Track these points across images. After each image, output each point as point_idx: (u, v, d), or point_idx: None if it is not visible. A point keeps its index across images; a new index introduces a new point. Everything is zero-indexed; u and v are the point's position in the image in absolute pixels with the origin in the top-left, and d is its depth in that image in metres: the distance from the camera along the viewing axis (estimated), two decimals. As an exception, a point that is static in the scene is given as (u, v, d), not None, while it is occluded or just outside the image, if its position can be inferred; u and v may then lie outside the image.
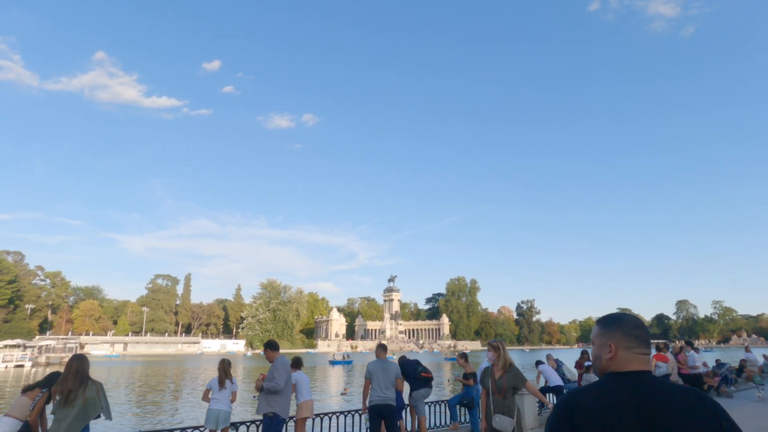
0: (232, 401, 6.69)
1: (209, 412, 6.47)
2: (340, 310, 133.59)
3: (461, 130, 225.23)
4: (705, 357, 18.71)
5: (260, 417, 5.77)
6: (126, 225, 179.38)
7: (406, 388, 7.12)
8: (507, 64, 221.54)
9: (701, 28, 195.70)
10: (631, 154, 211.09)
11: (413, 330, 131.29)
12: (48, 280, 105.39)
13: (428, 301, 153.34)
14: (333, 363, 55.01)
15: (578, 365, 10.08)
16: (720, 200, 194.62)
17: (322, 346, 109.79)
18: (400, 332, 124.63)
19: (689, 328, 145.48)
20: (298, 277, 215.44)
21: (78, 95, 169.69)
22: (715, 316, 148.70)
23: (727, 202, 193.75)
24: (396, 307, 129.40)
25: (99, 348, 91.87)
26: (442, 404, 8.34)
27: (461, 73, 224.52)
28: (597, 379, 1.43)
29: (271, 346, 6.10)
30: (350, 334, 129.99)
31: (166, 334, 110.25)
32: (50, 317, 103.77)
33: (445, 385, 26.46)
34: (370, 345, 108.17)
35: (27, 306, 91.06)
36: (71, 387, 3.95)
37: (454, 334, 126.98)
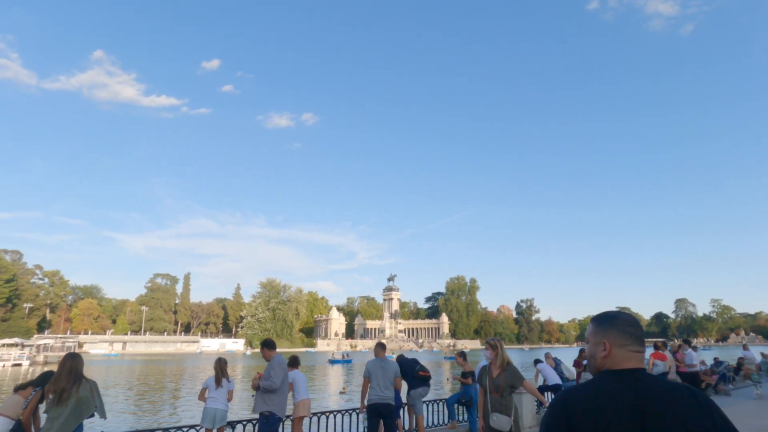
0: (229, 400, 6.68)
1: (206, 411, 6.46)
2: (339, 309, 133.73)
3: (461, 130, 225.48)
4: (703, 355, 18.76)
5: (257, 416, 5.75)
6: (125, 224, 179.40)
7: (404, 386, 7.11)
8: (506, 64, 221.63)
9: (700, 26, 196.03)
10: (630, 154, 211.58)
11: (413, 329, 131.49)
12: (46, 279, 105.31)
13: (428, 300, 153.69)
14: (332, 362, 55.08)
15: (577, 364, 10.07)
16: (719, 199, 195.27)
17: (321, 345, 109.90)
18: (400, 331, 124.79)
19: (688, 327, 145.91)
20: (297, 276, 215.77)
21: (76, 94, 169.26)
22: (714, 315, 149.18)
23: (726, 201, 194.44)
24: (395, 306, 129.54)
25: (98, 347, 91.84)
26: (440, 403, 8.33)
27: (461, 72, 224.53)
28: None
29: (267, 345, 6.09)
30: (350, 333, 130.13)
31: (165, 333, 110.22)
32: (49, 316, 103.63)
33: (444, 384, 26.48)
34: (369, 344, 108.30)
35: (25, 305, 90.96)
36: (64, 386, 3.92)
37: (454, 333, 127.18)
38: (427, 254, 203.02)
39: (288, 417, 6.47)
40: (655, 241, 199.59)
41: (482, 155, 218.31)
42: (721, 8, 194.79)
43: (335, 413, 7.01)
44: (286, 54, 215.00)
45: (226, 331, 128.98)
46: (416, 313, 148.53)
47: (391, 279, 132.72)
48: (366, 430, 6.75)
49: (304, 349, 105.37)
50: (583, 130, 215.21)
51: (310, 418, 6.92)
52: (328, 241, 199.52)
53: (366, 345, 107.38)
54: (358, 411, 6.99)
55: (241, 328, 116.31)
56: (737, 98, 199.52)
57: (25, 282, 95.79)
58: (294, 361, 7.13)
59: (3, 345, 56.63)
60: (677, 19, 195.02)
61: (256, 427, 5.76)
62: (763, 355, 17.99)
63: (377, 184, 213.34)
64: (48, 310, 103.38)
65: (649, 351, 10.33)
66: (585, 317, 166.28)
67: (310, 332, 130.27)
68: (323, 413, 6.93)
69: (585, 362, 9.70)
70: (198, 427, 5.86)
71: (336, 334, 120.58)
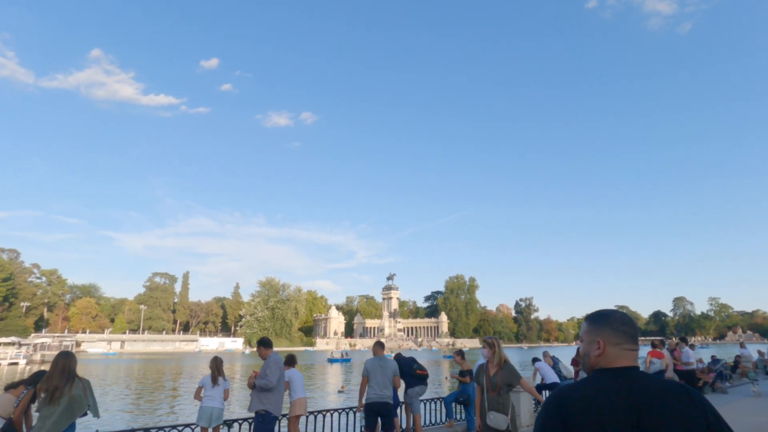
0: (225, 399, 6.66)
1: (202, 410, 6.44)
2: (338, 308, 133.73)
3: (460, 129, 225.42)
4: (701, 353, 18.83)
5: (253, 414, 5.72)
6: (124, 223, 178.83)
7: (402, 385, 7.10)
8: (505, 63, 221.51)
9: (698, 25, 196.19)
10: (628, 153, 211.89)
11: (412, 328, 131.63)
12: (44, 278, 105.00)
13: (427, 299, 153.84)
14: (331, 361, 55.20)
15: (575, 362, 10.06)
16: (717, 198, 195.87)
17: (320, 344, 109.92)
18: (399, 330, 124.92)
19: (686, 325, 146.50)
20: (296, 275, 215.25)
21: (74, 93, 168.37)
22: (711, 313, 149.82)
23: (724, 200, 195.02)
24: (395, 305, 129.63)
25: (95, 346, 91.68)
26: (438, 402, 8.31)
27: (460, 71, 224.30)
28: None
29: (264, 344, 6.06)
30: (349, 332, 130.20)
31: (164, 332, 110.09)
32: (46, 315, 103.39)
33: (443, 383, 26.51)
34: (368, 343, 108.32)
35: (22, 304, 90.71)
36: (57, 384, 3.88)
37: (453, 332, 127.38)
38: (427, 253, 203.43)
39: (284, 416, 6.44)
40: (654, 240, 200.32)
41: (481, 154, 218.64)
42: (718, 7, 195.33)
43: (332, 412, 6.98)
44: (284, 53, 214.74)
45: (225, 330, 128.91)
46: (415, 312, 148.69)
47: (390, 278, 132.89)
48: (363, 428, 6.73)
49: (303, 348, 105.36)
50: (581, 130, 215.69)
51: (307, 417, 6.89)
52: (328, 241, 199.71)
53: (365, 344, 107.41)
54: (355, 410, 6.97)
55: (240, 327, 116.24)
56: (735, 97, 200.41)
57: (23, 281, 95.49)
58: (291, 360, 7.10)
59: (0, 344, 56.49)
60: (675, 18, 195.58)
61: (252, 426, 5.72)
62: (759, 352, 18.06)
63: (376, 183, 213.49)
64: (45, 309, 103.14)
65: (647, 349, 10.34)
66: (583, 316, 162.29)
67: (310, 331, 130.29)
68: (320, 412, 6.90)
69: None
70: (193, 426, 5.82)
71: (335, 333, 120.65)
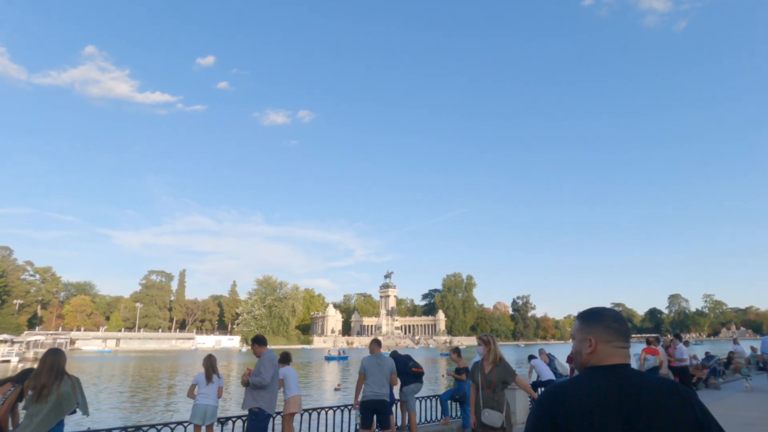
0: (219, 397, 6.62)
1: (197, 407, 6.39)
2: (336, 306, 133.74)
3: (457, 127, 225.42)
4: (695, 350, 18.95)
5: (246, 412, 5.68)
6: (120, 221, 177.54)
7: (397, 383, 7.08)
8: (502, 60, 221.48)
9: (693, 22, 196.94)
10: (624, 151, 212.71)
11: (409, 326, 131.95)
12: (38, 276, 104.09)
13: (424, 297, 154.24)
14: (328, 359, 55.29)
15: (570, 359, 10.12)
16: (712, 196, 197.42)
17: (318, 342, 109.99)
18: (396, 328, 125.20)
19: (681, 322, 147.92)
20: (294, 273, 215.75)
21: (68, 89, 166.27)
22: (706, 310, 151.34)
23: (718, 198, 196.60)
24: (392, 303, 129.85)
25: (90, 344, 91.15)
26: (434, 399, 8.30)
27: (456, 70, 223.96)
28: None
29: (258, 341, 6.02)
30: (346, 330, 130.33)
31: (160, 330, 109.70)
32: (40, 313, 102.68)
33: (440, 381, 26.59)
34: (366, 341, 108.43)
35: (15, 301, 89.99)
36: (45, 382, 3.82)
37: (450, 330, 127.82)
38: (424, 251, 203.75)
39: (278, 413, 6.41)
40: (650, 238, 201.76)
41: (478, 152, 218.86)
42: (712, 4, 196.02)
43: (327, 409, 6.95)
44: (281, 51, 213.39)
45: (222, 328, 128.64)
46: (413, 310, 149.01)
47: (387, 276, 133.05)
48: (358, 426, 6.71)
49: (300, 346, 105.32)
50: (578, 128, 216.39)
51: (302, 415, 6.86)
52: (325, 239, 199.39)
53: (362, 342, 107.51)
54: (351, 407, 6.95)
55: (237, 325, 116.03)
56: (730, 95, 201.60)
57: (15, 278, 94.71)
58: (285, 358, 7.07)
59: (-8, 341, 55.98)
60: (671, 16, 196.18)
61: (245, 424, 5.69)
62: (752, 348, 18.24)
63: (374, 181, 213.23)
64: (39, 307, 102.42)
65: (642, 346, 10.41)
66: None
67: (307, 329, 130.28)
68: (314, 410, 6.87)
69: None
70: (186, 424, 5.77)
71: (332, 331, 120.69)
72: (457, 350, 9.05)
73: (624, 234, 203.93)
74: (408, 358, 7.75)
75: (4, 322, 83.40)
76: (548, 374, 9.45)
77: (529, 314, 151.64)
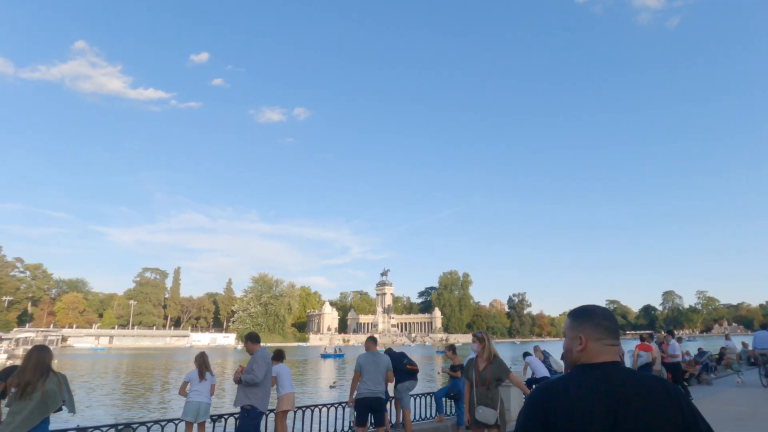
0: (211, 394, 6.57)
1: (189, 404, 6.33)
2: (332, 304, 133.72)
3: (453, 124, 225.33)
4: (688, 346, 19.14)
5: (238, 409, 5.62)
6: (114, 218, 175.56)
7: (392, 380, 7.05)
8: (497, 58, 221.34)
9: (686, 19, 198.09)
10: (619, 147, 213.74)
11: (406, 323, 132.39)
12: (28, 273, 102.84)
13: (421, 294, 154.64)
14: (324, 356, 55.33)
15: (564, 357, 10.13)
16: (705, 193, 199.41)
17: (314, 339, 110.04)
18: (393, 326, 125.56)
19: (674, 318, 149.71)
20: (290, 271, 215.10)
21: (58, 85, 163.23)
22: (699, 306, 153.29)
23: (712, 195, 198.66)
24: (389, 300, 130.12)
25: (83, 341, 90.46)
26: (428, 397, 8.30)
27: (452, 67, 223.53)
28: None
29: (251, 338, 5.95)
30: (342, 327, 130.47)
31: (155, 327, 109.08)
32: (30, 309, 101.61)
33: (436, 378, 26.68)
34: (362, 339, 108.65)
35: (4, 298, 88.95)
36: (29, 379, 3.73)
37: (447, 328, 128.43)
38: (421, 249, 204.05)
39: (271, 411, 6.36)
40: (644, 235, 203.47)
41: (474, 150, 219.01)
42: (705, 1, 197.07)
43: (320, 407, 6.91)
44: (276, 48, 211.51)
45: (217, 325, 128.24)
46: (409, 308, 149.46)
47: (384, 274, 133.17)
48: (352, 423, 6.67)
49: (296, 344, 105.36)
50: (572, 125, 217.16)
51: (295, 412, 6.82)
52: (321, 236, 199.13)
53: (359, 339, 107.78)
54: (345, 405, 6.91)
55: (233, 322, 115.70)
56: (723, 91, 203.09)
57: (5, 275, 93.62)
58: (279, 355, 7.01)
59: (-21, 338, 55.26)
60: (663, 13, 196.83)
61: (237, 421, 5.63)
62: (744, 344, 18.47)
63: (370, 179, 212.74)
64: (29, 304, 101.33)
65: (637, 343, 10.47)
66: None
67: (303, 327, 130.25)
68: (308, 407, 6.82)
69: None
70: (177, 421, 5.70)
71: (329, 329, 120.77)
72: (452, 347, 9.04)
73: (619, 231, 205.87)
74: (402, 355, 7.72)
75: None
76: (543, 371, 9.47)
77: (525, 311, 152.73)
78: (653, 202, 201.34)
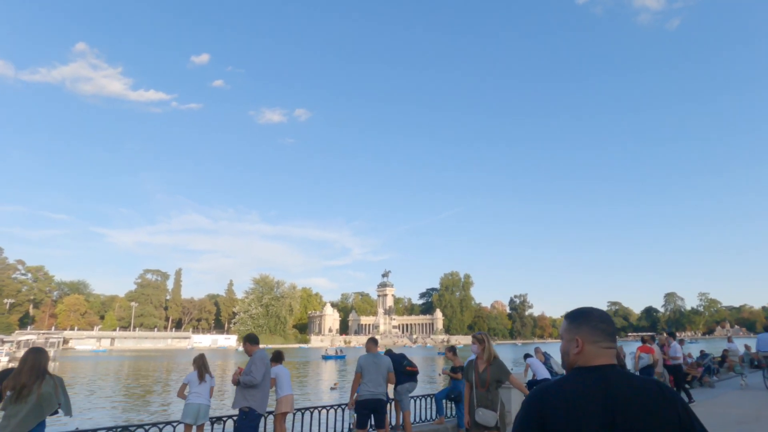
0: (210, 396, 6.55)
1: (189, 407, 6.31)
2: (333, 305, 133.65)
3: (453, 125, 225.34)
4: (690, 348, 19.03)
5: (236, 412, 5.60)
6: (114, 219, 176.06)
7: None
8: (498, 58, 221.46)
9: (686, 20, 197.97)
10: (620, 148, 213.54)
11: (407, 325, 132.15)
12: (29, 275, 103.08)
13: (422, 296, 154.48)
14: (326, 358, 55.28)
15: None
16: (706, 194, 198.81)
17: (315, 341, 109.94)
18: (394, 327, 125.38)
19: (676, 320, 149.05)
20: (291, 272, 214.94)
21: (59, 87, 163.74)
22: (701, 308, 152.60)
23: (714, 196, 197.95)
24: (390, 302, 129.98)
25: (84, 343, 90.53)
26: (428, 398, 8.26)
27: (452, 67, 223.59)
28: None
29: (250, 340, 5.93)
30: (344, 329, 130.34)
31: (156, 329, 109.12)
32: (32, 312, 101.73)
33: (437, 380, 26.59)
34: (363, 340, 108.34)
35: (6, 300, 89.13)
36: (25, 382, 3.71)
37: (448, 329, 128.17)
38: (422, 250, 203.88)
39: (270, 413, 6.33)
40: (646, 236, 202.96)
41: (475, 151, 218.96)
42: (706, 2, 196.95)
43: (320, 409, 6.88)
44: (276, 48, 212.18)
45: (219, 327, 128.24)
46: (410, 309, 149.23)
47: (385, 275, 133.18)
48: (352, 425, 6.63)
49: (297, 345, 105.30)
50: (574, 125, 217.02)
51: (294, 414, 6.78)
52: (322, 237, 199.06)
53: (360, 341, 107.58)
54: (345, 406, 6.88)
55: (234, 324, 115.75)
56: (724, 92, 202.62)
57: (6, 277, 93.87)
58: (277, 357, 6.98)
59: (-19, 340, 55.32)
60: (664, 14, 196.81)
61: (236, 423, 5.60)
62: (746, 347, 18.36)
63: (371, 180, 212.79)
64: (31, 306, 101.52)
65: (638, 345, 10.41)
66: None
67: (304, 328, 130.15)
68: (307, 409, 6.79)
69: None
70: (175, 424, 5.68)
71: (330, 330, 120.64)
72: (452, 349, 9.00)
73: (620, 232, 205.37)
74: (402, 357, 7.69)
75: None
76: (544, 373, 9.41)
77: (527, 313, 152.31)
78: (653, 202, 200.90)
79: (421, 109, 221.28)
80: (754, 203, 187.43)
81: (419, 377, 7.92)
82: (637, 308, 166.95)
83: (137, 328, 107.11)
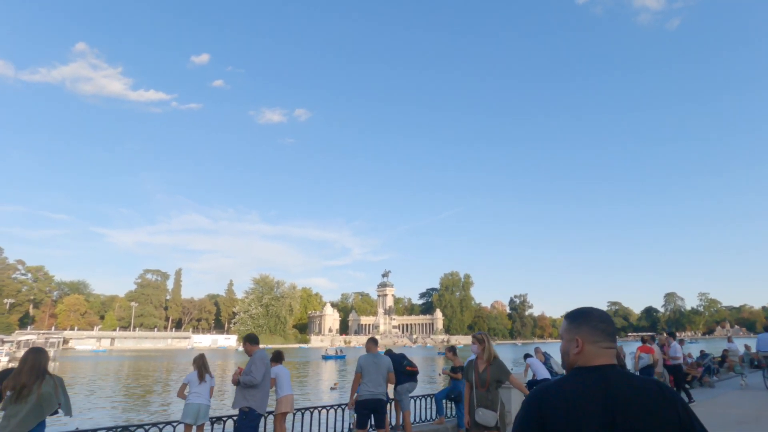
0: (210, 396, 6.55)
1: (189, 407, 6.31)
2: (333, 305, 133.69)
3: (453, 125, 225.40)
4: (690, 348, 19.04)
5: (236, 412, 5.60)
6: (114, 219, 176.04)
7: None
8: (498, 58, 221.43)
9: (686, 20, 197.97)
10: (621, 148, 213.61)
11: (407, 325, 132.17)
12: (29, 275, 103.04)
13: (422, 296, 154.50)
14: (326, 358, 55.29)
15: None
16: (706, 194, 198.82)
17: (315, 341, 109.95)
18: (394, 327, 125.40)
19: (676, 320, 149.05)
20: (291, 272, 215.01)
21: (59, 87, 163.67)
22: (701, 308, 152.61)
23: (714, 196, 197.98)
24: (390, 302, 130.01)
25: (84, 343, 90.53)
26: (428, 398, 8.26)
27: (452, 67, 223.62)
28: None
29: (250, 340, 5.93)
30: (344, 329, 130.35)
31: (156, 329, 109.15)
32: (32, 312, 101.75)
33: (437, 380, 26.59)
34: (363, 340, 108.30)
35: (6, 300, 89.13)
36: (25, 382, 3.71)
37: (448, 329, 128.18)
38: (422, 250, 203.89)
39: (270, 413, 6.33)
40: (646, 235, 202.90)
41: (475, 151, 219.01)
42: (706, 2, 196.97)
43: (320, 409, 6.88)
44: (276, 48, 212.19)
45: (219, 327, 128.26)
46: (410, 309, 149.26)
47: (385, 275, 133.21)
48: (352, 425, 6.63)
49: (297, 345, 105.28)
50: (574, 125, 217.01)
51: (294, 414, 6.79)
52: (322, 237, 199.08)
53: (360, 341, 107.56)
54: (345, 406, 6.87)
55: (234, 324, 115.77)
56: (724, 92, 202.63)
57: (6, 277, 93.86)
58: (277, 357, 6.98)
59: (-19, 340, 55.32)
60: (664, 14, 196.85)
61: (236, 423, 5.60)
62: (746, 347, 18.36)
63: (371, 180, 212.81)
64: (31, 306, 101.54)
65: (638, 345, 10.41)
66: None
67: (304, 328, 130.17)
68: (307, 409, 6.79)
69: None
70: (175, 424, 5.68)
71: (330, 330, 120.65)
72: (452, 349, 9.00)
73: (620, 232, 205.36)
74: (402, 357, 7.69)
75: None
76: (544, 373, 9.41)
77: (527, 313, 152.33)
78: (653, 202, 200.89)
79: (421, 109, 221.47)
80: (754, 203, 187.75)
81: (419, 377, 7.92)
82: (637, 308, 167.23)
83: (137, 328, 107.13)
